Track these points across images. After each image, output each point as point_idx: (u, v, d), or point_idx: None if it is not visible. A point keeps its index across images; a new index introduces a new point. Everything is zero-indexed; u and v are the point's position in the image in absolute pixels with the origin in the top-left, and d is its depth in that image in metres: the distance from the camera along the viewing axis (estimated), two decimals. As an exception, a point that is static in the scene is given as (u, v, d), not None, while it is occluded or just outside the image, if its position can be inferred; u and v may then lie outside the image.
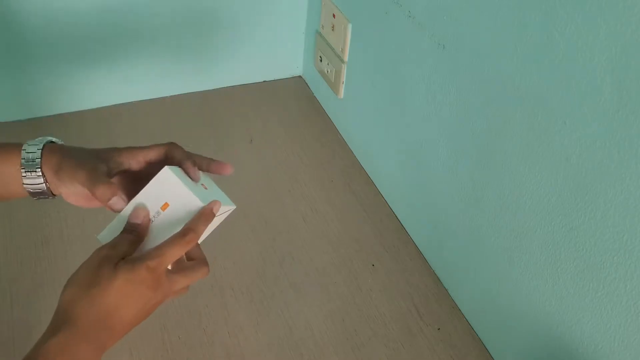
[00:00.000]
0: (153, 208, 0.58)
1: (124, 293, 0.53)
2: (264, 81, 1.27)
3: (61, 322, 0.52)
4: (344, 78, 1.09)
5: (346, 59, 1.06)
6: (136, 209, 0.59)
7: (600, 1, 0.55)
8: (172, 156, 0.63)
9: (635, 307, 0.58)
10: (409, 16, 0.84)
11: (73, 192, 0.60)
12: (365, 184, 1.06)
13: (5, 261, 0.86)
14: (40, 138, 0.62)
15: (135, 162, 0.62)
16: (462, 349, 0.82)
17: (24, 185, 0.60)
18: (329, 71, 1.12)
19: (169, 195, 0.58)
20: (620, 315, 0.60)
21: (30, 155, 0.60)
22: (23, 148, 0.60)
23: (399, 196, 0.99)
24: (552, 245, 0.67)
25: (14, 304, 0.81)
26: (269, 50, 1.23)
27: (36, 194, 0.61)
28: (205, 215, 0.57)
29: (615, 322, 0.61)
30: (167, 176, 0.57)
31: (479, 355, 0.82)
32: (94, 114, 1.13)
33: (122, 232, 0.58)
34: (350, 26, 1.02)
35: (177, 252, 0.55)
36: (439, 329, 0.84)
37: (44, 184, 0.60)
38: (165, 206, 0.59)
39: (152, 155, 0.63)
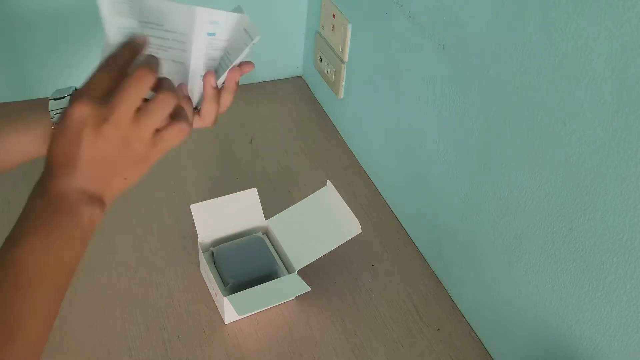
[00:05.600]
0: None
1: (102, 163, 0.51)
2: (264, 81, 1.27)
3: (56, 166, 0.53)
4: (344, 78, 1.08)
5: (346, 59, 1.06)
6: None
7: (600, 1, 0.55)
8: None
9: (635, 307, 0.58)
10: (409, 16, 0.84)
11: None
12: (365, 184, 1.06)
13: (5, 261, 0.86)
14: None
15: None
16: (462, 349, 0.82)
17: None
18: (329, 71, 1.12)
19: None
20: (620, 315, 0.60)
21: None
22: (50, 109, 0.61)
23: (399, 196, 0.99)
24: (552, 245, 0.67)
25: (14, 304, 0.81)
26: (269, 50, 1.22)
27: None
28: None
29: (615, 322, 0.61)
30: None
31: (478, 355, 0.82)
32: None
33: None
34: (350, 26, 1.02)
35: (133, 96, 0.50)
36: (438, 329, 0.84)
37: None
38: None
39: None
